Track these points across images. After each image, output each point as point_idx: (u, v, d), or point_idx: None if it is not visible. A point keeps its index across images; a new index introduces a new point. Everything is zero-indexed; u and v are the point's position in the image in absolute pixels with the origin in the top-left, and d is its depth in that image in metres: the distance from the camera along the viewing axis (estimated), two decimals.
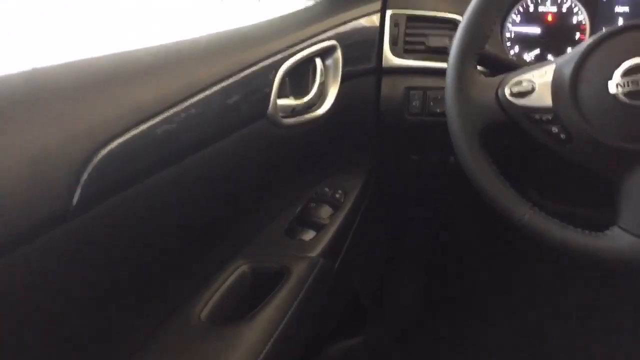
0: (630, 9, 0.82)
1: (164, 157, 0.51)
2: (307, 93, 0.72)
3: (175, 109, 0.51)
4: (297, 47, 0.69)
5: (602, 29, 0.82)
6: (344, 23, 0.80)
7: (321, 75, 0.74)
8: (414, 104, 0.84)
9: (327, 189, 0.81)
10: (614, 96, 0.56)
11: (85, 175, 0.42)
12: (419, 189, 1.07)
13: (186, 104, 0.52)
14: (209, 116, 0.57)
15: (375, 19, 0.85)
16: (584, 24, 0.84)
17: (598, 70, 0.58)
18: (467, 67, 0.64)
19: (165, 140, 0.50)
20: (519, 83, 0.62)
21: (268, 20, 0.72)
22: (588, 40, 0.60)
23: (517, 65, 0.70)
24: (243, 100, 0.62)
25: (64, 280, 0.45)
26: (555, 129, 0.61)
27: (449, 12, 0.84)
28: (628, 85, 0.56)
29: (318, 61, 0.74)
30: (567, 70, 0.60)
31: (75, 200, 0.41)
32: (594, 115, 0.58)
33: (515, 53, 0.87)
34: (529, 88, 0.62)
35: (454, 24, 0.83)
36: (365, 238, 0.90)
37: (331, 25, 0.77)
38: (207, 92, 0.56)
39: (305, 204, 0.80)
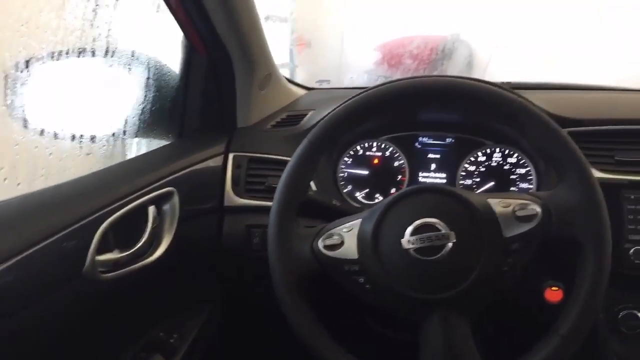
0: (440, 155, 0.96)
1: None
2: (136, 243, 0.73)
3: None
4: (126, 200, 0.71)
5: (418, 173, 0.96)
6: (186, 167, 0.84)
7: (154, 222, 0.75)
8: (254, 241, 0.87)
9: (162, 334, 0.80)
10: (407, 251, 0.63)
11: None
12: (266, 321, 1.07)
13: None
14: (24, 279, 0.55)
15: (218, 161, 0.91)
16: (404, 167, 0.96)
17: (394, 227, 0.65)
18: (287, 221, 0.69)
19: None
20: (331, 236, 0.68)
21: (95, 173, 0.73)
22: (387, 200, 0.68)
23: (343, 211, 0.76)
24: (58, 262, 0.61)
25: None
26: (361, 280, 0.66)
27: (287, 155, 0.92)
28: (417, 243, 0.63)
29: (151, 209, 0.75)
30: (369, 227, 0.66)
31: None
32: (392, 267, 0.64)
33: (347, 191, 0.96)
34: (339, 241, 0.68)
35: None
36: None
37: (169, 172, 0.80)
38: (20, 256, 0.55)
39: (137, 352, 0.77)
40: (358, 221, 0.69)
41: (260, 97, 0.97)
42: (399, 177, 0.96)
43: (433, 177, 0.95)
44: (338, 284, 0.68)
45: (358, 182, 0.96)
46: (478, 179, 0.93)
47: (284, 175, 0.70)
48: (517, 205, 0.65)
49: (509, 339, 0.92)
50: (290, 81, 1.10)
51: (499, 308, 0.86)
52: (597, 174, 0.81)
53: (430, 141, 0.96)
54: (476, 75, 3.28)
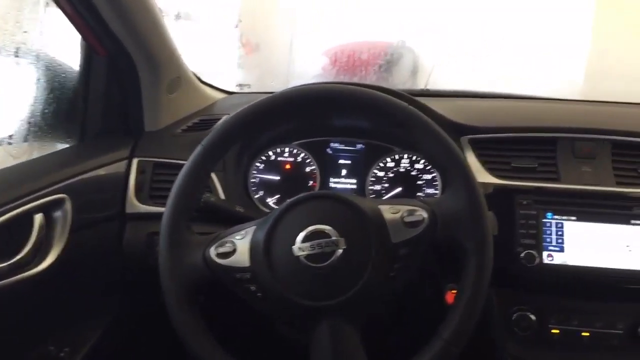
0: (351, 161, 0.96)
1: None
2: (17, 252, 0.69)
3: None
4: (6, 207, 0.67)
5: (329, 179, 0.96)
6: (83, 173, 0.80)
7: (39, 231, 0.72)
8: (157, 249, 0.85)
9: (52, 348, 0.76)
10: (297, 258, 0.63)
11: None
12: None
13: None
14: None
15: (122, 166, 0.87)
16: (315, 173, 0.96)
17: (286, 234, 0.65)
18: (178, 229, 0.67)
19: None
20: (223, 244, 0.67)
21: None
22: (280, 207, 0.68)
23: (247, 218, 0.75)
24: None
25: None
26: (253, 288, 0.65)
27: None
28: (307, 250, 0.63)
29: (37, 217, 0.71)
30: (262, 234, 0.65)
31: None
32: (284, 275, 0.63)
33: (259, 197, 0.95)
34: (231, 249, 0.66)
35: None
36: None
37: (62, 177, 0.76)
38: None
39: None
40: (252, 228, 0.68)
41: (170, 101, 0.95)
42: (310, 182, 0.96)
43: (344, 182, 0.96)
44: (230, 293, 0.67)
45: (269, 188, 0.95)
46: (387, 185, 0.94)
47: (176, 181, 0.68)
48: (405, 212, 0.66)
49: (414, 342, 0.94)
50: (207, 84, 1.08)
51: (403, 312, 0.88)
52: (493, 180, 0.84)
53: (342, 147, 0.97)
54: (420, 82, 3.37)
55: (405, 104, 0.68)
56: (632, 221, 0.80)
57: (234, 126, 0.70)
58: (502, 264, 0.80)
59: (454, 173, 0.66)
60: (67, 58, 0.88)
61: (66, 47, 0.86)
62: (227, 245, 0.67)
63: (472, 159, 0.86)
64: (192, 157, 0.69)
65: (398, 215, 0.66)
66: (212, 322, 0.67)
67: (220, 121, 0.70)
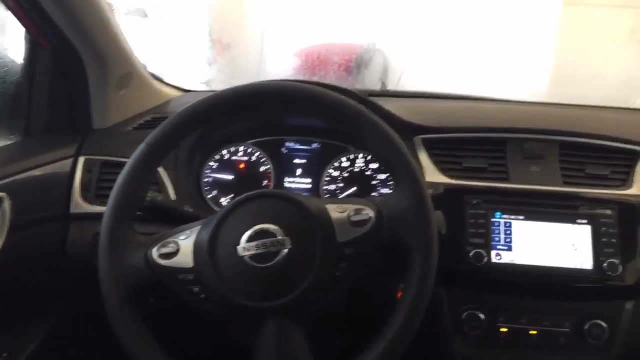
0: (306, 161, 0.96)
1: None
2: None
3: None
4: None
5: (284, 178, 0.95)
6: (23, 171, 0.77)
7: None
8: None
9: None
10: (242, 258, 0.61)
11: None
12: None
13: None
14: None
15: (67, 165, 0.85)
16: (270, 172, 0.95)
17: (231, 234, 0.63)
18: (119, 229, 0.65)
19: None
20: (166, 244, 0.65)
21: None
22: (226, 206, 0.66)
23: (195, 217, 0.74)
24: None
25: None
26: (196, 289, 0.64)
27: None
28: (252, 249, 0.62)
29: None
30: (206, 234, 0.64)
31: None
32: (228, 276, 0.62)
33: (212, 197, 0.93)
34: (174, 249, 0.64)
35: None
36: None
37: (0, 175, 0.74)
38: None
39: None
40: (197, 228, 0.66)
41: (119, 97, 0.92)
42: (265, 182, 0.95)
43: (298, 182, 0.95)
44: (173, 294, 0.66)
45: (223, 187, 0.94)
46: (341, 185, 0.94)
47: (118, 180, 0.66)
48: (352, 211, 0.65)
49: (363, 342, 0.94)
50: (162, 82, 1.06)
51: (353, 312, 0.87)
52: (444, 179, 0.84)
53: (297, 146, 0.96)
54: (391, 84, 3.40)
55: (354, 102, 0.67)
56: (578, 220, 0.81)
57: (179, 124, 0.68)
58: (451, 264, 0.81)
59: (400, 171, 0.66)
60: (9, 49, 0.84)
61: (8, 37, 0.83)
62: (170, 245, 0.65)
63: (424, 159, 0.87)
64: (134, 156, 0.67)
65: (345, 214, 0.65)
66: (162, 324, 0.66)
67: (167, 119, 0.68)
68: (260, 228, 0.62)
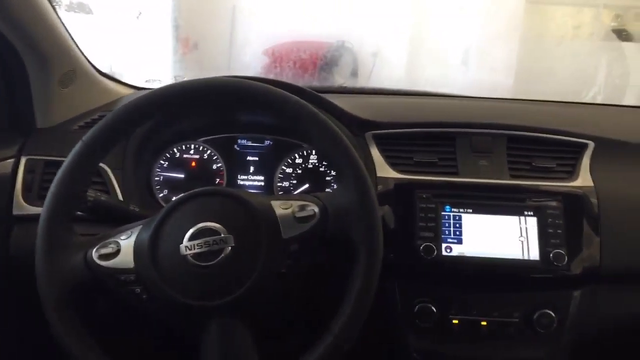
0: (259, 158, 0.95)
1: None
2: None
3: None
4: None
5: (237, 176, 0.94)
6: None
7: None
8: None
9: None
10: (185, 257, 0.60)
11: None
12: None
13: None
14: None
15: (7, 166, 0.82)
16: (222, 170, 0.93)
17: (173, 233, 0.62)
18: (56, 231, 0.64)
19: None
20: (107, 245, 0.63)
21: None
22: (167, 205, 0.65)
23: (142, 217, 0.72)
24: None
25: None
26: (137, 290, 0.62)
27: None
28: (195, 248, 0.61)
29: None
30: (147, 233, 0.62)
31: None
32: (170, 275, 0.61)
33: (163, 196, 0.91)
34: (115, 249, 0.63)
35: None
36: None
37: None
38: None
39: None
40: (138, 228, 0.65)
41: (64, 95, 0.89)
42: (217, 180, 0.93)
43: (251, 179, 0.94)
44: (115, 295, 0.64)
45: (174, 186, 0.92)
46: (295, 181, 0.93)
47: (54, 180, 0.64)
48: (297, 207, 0.65)
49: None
50: (113, 79, 1.03)
51: (304, 310, 0.87)
52: (395, 174, 0.85)
53: (249, 143, 0.95)
54: (361, 81, 3.41)
55: (296, 97, 0.67)
56: (525, 212, 0.82)
57: (118, 121, 0.66)
58: (403, 258, 0.82)
59: (344, 167, 0.65)
60: None
61: None
62: (111, 246, 0.63)
63: (376, 154, 0.87)
64: (71, 155, 0.65)
65: (289, 211, 0.65)
66: (111, 325, 0.64)
67: (105, 116, 0.67)
68: (203, 226, 0.61)
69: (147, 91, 0.68)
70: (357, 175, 0.65)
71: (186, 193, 0.66)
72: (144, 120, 0.68)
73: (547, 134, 0.88)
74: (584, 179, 0.85)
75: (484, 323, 0.82)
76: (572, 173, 0.86)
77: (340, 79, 3.24)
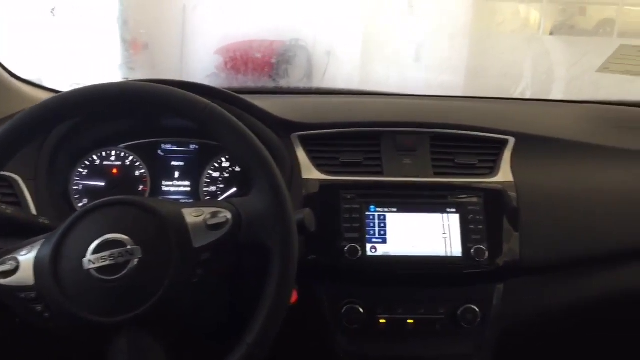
0: (184, 163, 0.92)
1: None
2: None
3: None
4: None
5: (161, 182, 0.92)
6: None
7: None
8: None
9: None
10: (88, 272, 0.58)
11: None
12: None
13: None
14: None
15: None
16: (146, 177, 0.91)
17: (76, 246, 0.59)
18: None
19: None
20: (5, 262, 0.60)
21: None
22: (70, 217, 0.62)
23: (53, 229, 0.68)
24: None
25: None
26: (39, 308, 0.59)
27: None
28: (99, 262, 0.58)
29: None
30: (48, 248, 0.60)
31: None
32: (73, 291, 0.58)
33: (83, 205, 0.87)
34: (13, 266, 0.60)
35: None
36: None
37: None
38: None
39: None
40: (39, 242, 0.62)
41: None
42: (141, 187, 0.90)
43: (177, 185, 0.91)
44: (16, 315, 0.61)
45: (95, 195, 0.88)
46: (222, 186, 0.91)
47: None
48: (209, 214, 0.63)
49: None
50: (30, 83, 0.99)
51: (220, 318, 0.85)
52: (320, 176, 0.84)
53: (174, 148, 0.92)
54: (315, 81, 3.41)
55: (207, 102, 0.65)
56: (448, 209, 0.83)
57: (16, 129, 0.63)
58: (328, 260, 0.81)
59: (258, 171, 0.64)
60: None
61: None
62: (9, 262, 0.60)
63: (302, 156, 0.86)
64: None
65: (201, 219, 0.63)
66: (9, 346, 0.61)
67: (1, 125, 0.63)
68: (107, 238, 0.59)
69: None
70: (271, 181, 0.64)
71: (90, 204, 0.63)
72: (48, 128, 0.65)
73: (469, 131, 0.89)
74: (504, 175, 0.87)
75: (410, 321, 0.83)
76: (493, 169, 0.87)
77: (294, 78, 3.23)
